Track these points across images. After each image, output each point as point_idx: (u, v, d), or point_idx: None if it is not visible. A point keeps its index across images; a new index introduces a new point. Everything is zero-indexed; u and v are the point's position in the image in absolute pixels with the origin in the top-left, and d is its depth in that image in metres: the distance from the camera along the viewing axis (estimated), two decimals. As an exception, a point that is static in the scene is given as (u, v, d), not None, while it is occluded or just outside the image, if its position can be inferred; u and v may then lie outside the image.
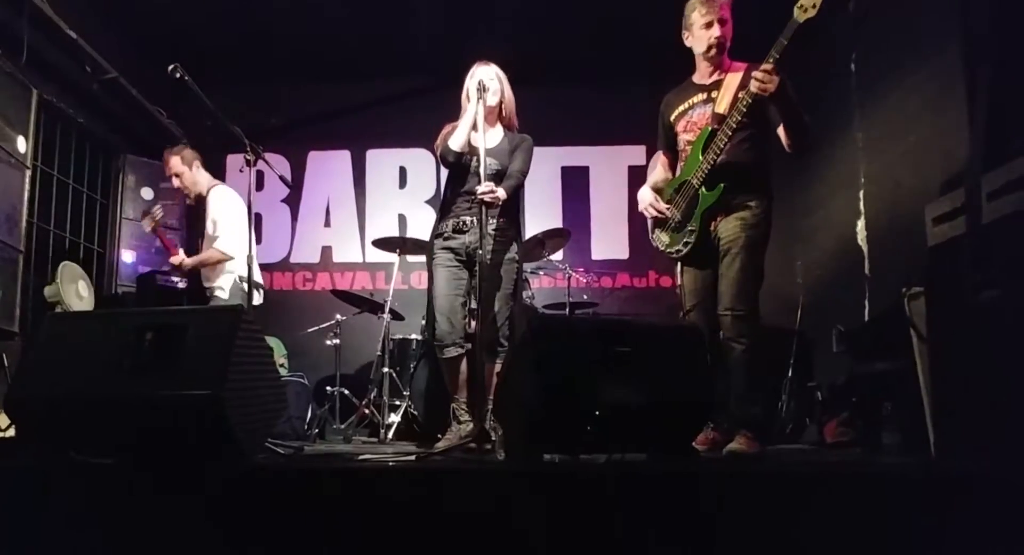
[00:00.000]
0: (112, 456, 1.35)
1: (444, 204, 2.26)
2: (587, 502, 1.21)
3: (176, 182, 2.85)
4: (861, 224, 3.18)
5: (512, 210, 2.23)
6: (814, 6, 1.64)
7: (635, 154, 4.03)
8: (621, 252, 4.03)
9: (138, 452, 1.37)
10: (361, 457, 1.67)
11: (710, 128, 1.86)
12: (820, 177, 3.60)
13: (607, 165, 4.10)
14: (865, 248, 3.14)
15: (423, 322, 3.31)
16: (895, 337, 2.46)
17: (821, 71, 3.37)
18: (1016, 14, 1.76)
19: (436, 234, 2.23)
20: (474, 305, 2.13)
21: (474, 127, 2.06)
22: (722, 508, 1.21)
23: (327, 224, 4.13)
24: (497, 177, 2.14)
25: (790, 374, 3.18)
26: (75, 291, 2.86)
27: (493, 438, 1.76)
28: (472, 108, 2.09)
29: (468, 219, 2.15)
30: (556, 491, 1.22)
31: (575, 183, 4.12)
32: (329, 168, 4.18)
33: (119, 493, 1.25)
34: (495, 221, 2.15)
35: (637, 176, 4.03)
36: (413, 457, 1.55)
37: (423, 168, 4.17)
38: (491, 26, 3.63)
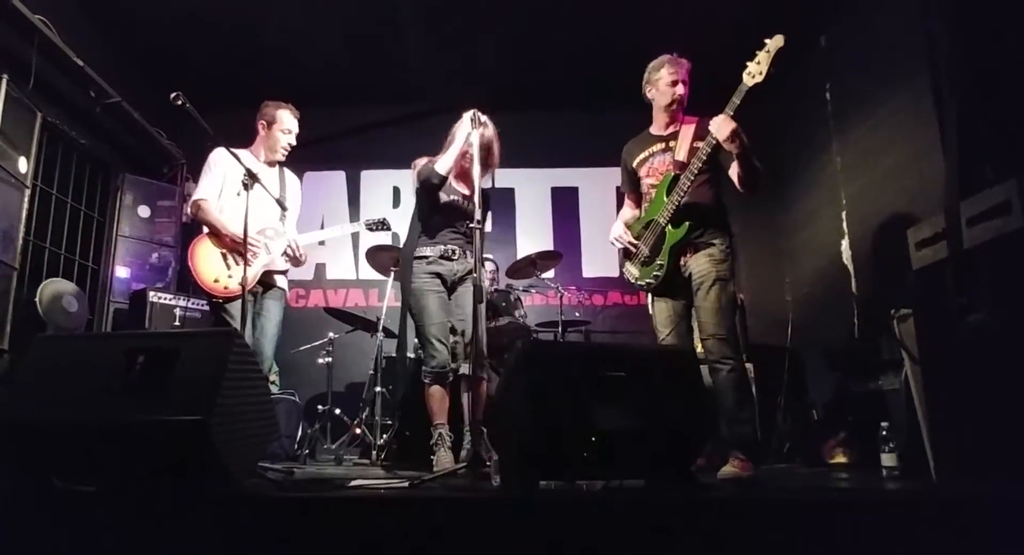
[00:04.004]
0: (96, 483, 1.34)
1: (427, 229, 2.30)
2: (585, 530, 1.20)
3: (290, 143, 2.45)
4: (845, 243, 3.25)
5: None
6: (761, 73, 1.84)
7: (623, 175, 4.11)
8: (611, 270, 4.07)
9: (123, 479, 1.35)
10: (352, 483, 1.65)
11: (673, 173, 2.02)
12: (804, 198, 3.70)
13: (596, 186, 4.18)
14: (851, 266, 3.21)
15: (416, 340, 3.32)
16: (886, 356, 2.50)
17: (798, 97, 3.50)
18: (975, 48, 1.85)
19: (418, 257, 2.27)
20: (458, 327, 2.23)
21: (469, 163, 2.11)
22: (725, 536, 1.20)
23: (321, 242, 4.16)
24: (465, 209, 2.23)
25: (784, 391, 3.19)
26: (60, 308, 2.83)
27: (488, 463, 1.75)
28: (461, 137, 2.14)
29: (455, 248, 2.25)
30: (552, 519, 1.21)
31: (565, 203, 4.20)
32: (324, 188, 4.23)
33: (102, 521, 1.23)
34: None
35: (624, 196, 4.12)
36: (406, 483, 1.54)
37: (417, 188, 4.24)
38: (482, 53, 3.72)
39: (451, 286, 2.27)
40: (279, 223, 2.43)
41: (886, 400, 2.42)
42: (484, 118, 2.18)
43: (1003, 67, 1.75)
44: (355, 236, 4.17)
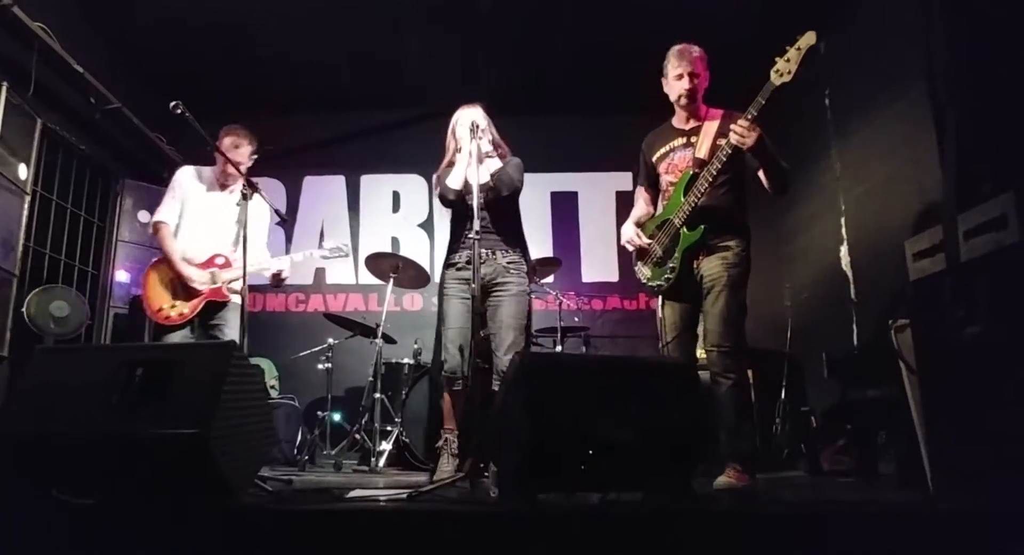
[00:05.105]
0: (95, 496, 1.34)
1: (455, 235, 2.33)
2: (582, 542, 1.20)
3: (230, 169, 2.38)
4: (844, 250, 3.25)
5: (521, 243, 2.29)
6: (789, 72, 1.76)
7: (622, 180, 4.11)
8: (611, 275, 4.07)
9: (122, 491, 1.36)
10: (351, 493, 1.66)
11: (692, 172, 1.94)
12: (803, 202, 3.70)
13: (595, 191, 4.19)
14: (850, 273, 3.21)
15: (415, 346, 3.33)
16: (884, 365, 2.50)
17: (797, 101, 3.48)
18: (974, 60, 1.85)
19: (448, 264, 2.29)
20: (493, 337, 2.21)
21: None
22: (722, 548, 1.21)
23: (321, 247, 4.16)
24: (489, 205, 2.21)
25: (783, 397, 3.20)
26: (49, 315, 2.83)
27: (486, 474, 1.76)
28: (466, 148, 2.16)
29: (484, 252, 2.20)
30: (550, 531, 1.22)
31: (564, 208, 4.20)
32: (324, 192, 4.24)
33: (101, 534, 1.24)
34: (509, 253, 2.22)
35: (624, 201, 4.13)
36: (405, 494, 1.54)
37: (416, 193, 4.24)
38: (481, 58, 3.72)
39: (481, 291, 2.17)
40: (232, 247, 2.45)
41: (885, 409, 2.42)
42: (479, 116, 2.19)
43: (1002, 80, 1.75)
44: (354, 239, 4.18)
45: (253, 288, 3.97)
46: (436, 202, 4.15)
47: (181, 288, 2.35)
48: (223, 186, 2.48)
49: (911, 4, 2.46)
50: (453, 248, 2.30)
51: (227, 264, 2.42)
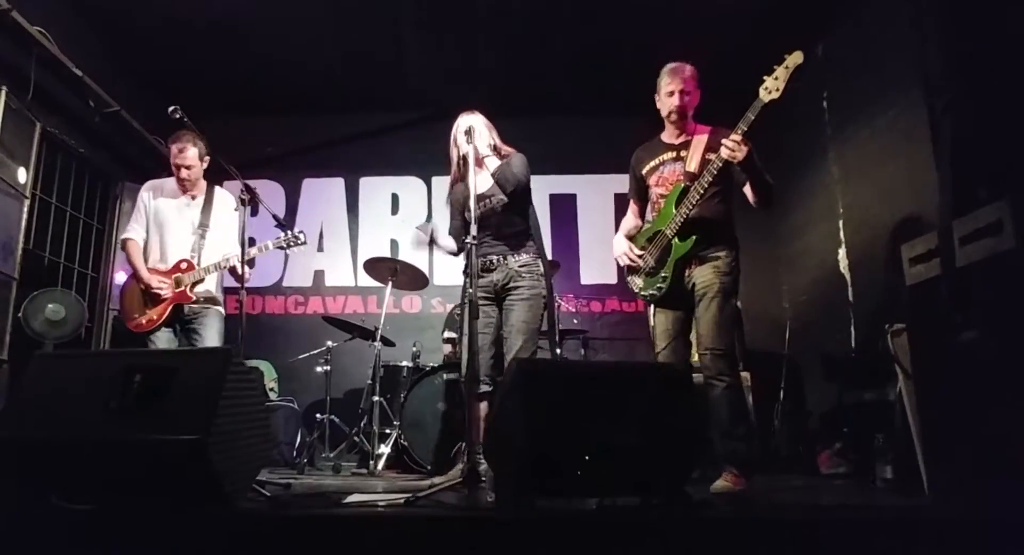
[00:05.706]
0: (94, 501, 1.35)
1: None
2: (579, 548, 1.21)
3: (184, 173, 2.45)
4: (842, 252, 3.26)
5: (536, 244, 2.29)
6: (778, 89, 1.82)
7: (621, 182, 4.03)
8: (609, 277, 4.07)
9: (121, 497, 1.37)
10: (349, 498, 1.66)
11: (683, 184, 1.99)
12: (801, 205, 3.70)
13: (594, 193, 4.18)
14: (848, 276, 3.21)
15: (414, 348, 3.34)
16: (882, 367, 2.51)
17: (795, 105, 3.48)
18: (971, 63, 1.86)
19: (467, 273, 2.29)
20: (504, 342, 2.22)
21: (463, 177, 2.14)
22: (717, 553, 1.22)
23: (320, 249, 4.17)
24: (494, 210, 2.23)
25: (781, 399, 3.21)
26: (44, 318, 2.83)
27: (483, 478, 1.76)
28: (454, 161, 2.19)
29: (494, 258, 2.22)
30: (548, 537, 1.22)
31: (563, 210, 4.19)
32: (323, 194, 4.23)
33: (99, 540, 1.24)
34: (520, 256, 2.22)
35: (623, 203, 4.11)
36: (403, 499, 1.55)
37: (415, 195, 4.24)
38: (480, 59, 3.72)
39: (496, 296, 2.22)
40: (193, 253, 2.49)
41: (882, 412, 2.43)
42: (477, 122, 2.21)
43: (997, 86, 1.76)
44: (353, 242, 4.19)
45: (255, 289, 3.99)
46: (435, 204, 4.21)
47: (149, 298, 2.45)
48: (184, 191, 2.55)
49: (907, 10, 2.47)
50: (467, 257, 2.32)
51: (190, 268, 2.47)
